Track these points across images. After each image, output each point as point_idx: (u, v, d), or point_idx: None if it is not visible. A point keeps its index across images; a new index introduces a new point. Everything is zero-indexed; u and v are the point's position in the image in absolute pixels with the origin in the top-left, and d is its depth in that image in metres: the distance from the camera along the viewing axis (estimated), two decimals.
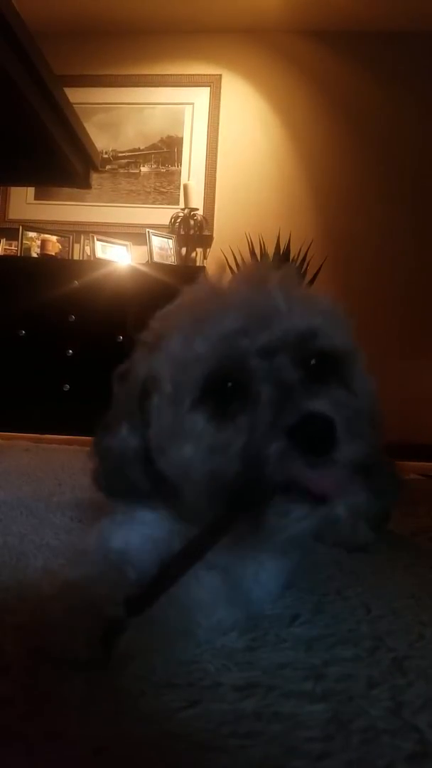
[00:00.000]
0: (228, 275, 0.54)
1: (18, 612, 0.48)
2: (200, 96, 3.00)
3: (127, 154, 3.07)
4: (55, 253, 2.84)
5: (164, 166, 3.03)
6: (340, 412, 0.42)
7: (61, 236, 2.91)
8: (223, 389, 0.45)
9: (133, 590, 0.44)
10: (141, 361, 0.51)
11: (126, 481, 0.51)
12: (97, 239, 2.83)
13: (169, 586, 0.43)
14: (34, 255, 2.81)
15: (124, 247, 2.89)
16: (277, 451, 0.41)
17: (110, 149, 3.06)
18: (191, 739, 0.36)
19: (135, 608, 0.42)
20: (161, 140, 3.04)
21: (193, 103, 3.02)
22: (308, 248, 2.62)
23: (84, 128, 1.45)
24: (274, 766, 0.34)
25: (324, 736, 0.36)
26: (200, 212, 2.93)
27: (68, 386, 2.39)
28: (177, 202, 2.97)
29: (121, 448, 0.51)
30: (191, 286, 0.54)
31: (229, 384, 0.46)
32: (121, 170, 3.05)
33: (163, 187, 3.02)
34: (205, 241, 2.95)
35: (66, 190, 2.83)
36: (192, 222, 2.89)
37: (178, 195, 2.96)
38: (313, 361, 0.47)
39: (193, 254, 2.92)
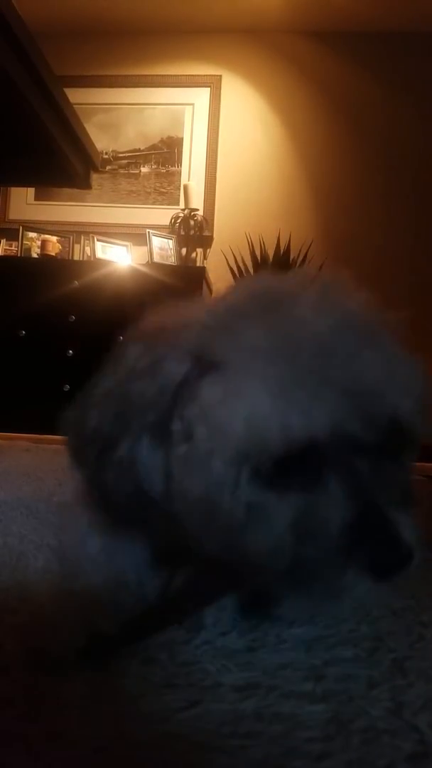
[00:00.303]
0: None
1: (18, 612, 0.48)
2: (200, 96, 3.00)
3: (127, 154, 3.07)
4: (56, 254, 2.84)
5: (164, 166, 3.03)
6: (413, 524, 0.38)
7: (61, 237, 2.91)
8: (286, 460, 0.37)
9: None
10: (178, 353, 0.41)
11: (128, 507, 0.43)
12: (98, 240, 2.83)
13: (151, 634, 0.42)
14: (35, 255, 2.82)
15: (125, 248, 2.90)
16: (353, 577, 0.37)
17: (110, 150, 3.06)
18: (191, 739, 0.36)
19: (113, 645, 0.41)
20: (161, 141, 3.04)
21: (193, 104, 3.02)
22: (308, 249, 2.62)
23: (84, 129, 1.45)
24: (274, 767, 0.34)
25: (324, 737, 0.36)
26: (200, 213, 2.93)
27: (68, 386, 2.39)
28: (177, 203, 2.97)
29: (142, 467, 0.41)
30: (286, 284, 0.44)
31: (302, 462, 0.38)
32: (122, 171, 3.05)
33: (164, 188, 3.02)
34: (206, 242, 2.95)
35: (66, 190, 2.83)
36: (192, 222, 2.89)
37: (179, 195, 2.97)
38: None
39: (194, 254, 2.93)
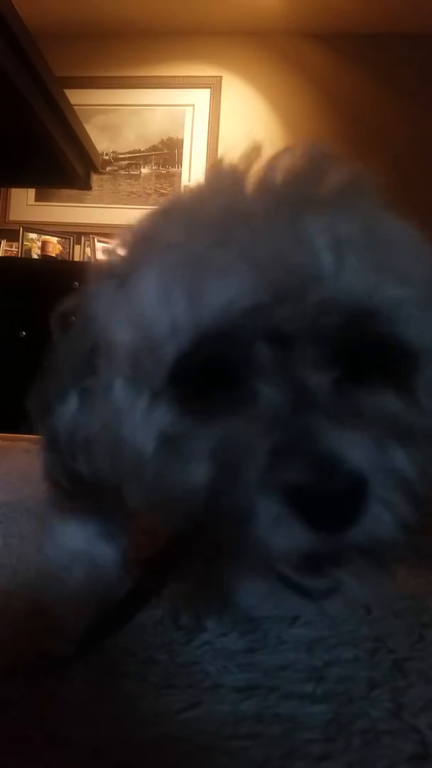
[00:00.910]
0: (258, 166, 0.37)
1: (20, 614, 0.48)
2: (201, 98, 3.00)
3: (128, 155, 3.07)
4: (56, 255, 2.84)
5: (165, 167, 3.03)
6: (386, 453, 0.28)
7: (61, 238, 2.91)
8: (203, 376, 0.31)
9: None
10: (99, 300, 0.36)
11: (74, 475, 0.38)
12: (98, 240, 2.83)
13: (117, 630, 0.39)
14: (35, 256, 2.82)
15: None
16: (268, 514, 0.28)
17: (110, 151, 3.07)
18: (192, 740, 0.36)
19: (84, 650, 0.39)
20: (161, 142, 3.04)
21: (193, 105, 3.02)
22: None
23: (84, 130, 1.46)
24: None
25: (324, 738, 0.36)
26: None
27: None
28: None
29: (69, 429, 0.37)
30: (209, 172, 0.38)
31: (213, 371, 0.31)
32: (122, 172, 3.05)
33: (164, 189, 3.02)
34: None
35: (66, 191, 2.83)
36: None
37: None
38: (362, 354, 0.30)
39: None
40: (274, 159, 0.36)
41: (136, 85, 3.03)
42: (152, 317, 0.31)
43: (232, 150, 0.38)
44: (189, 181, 2.95)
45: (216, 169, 0.37)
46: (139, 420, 0.33)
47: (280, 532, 0.28)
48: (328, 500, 0.27)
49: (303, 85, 2.97)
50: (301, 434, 0.28)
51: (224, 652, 0.45)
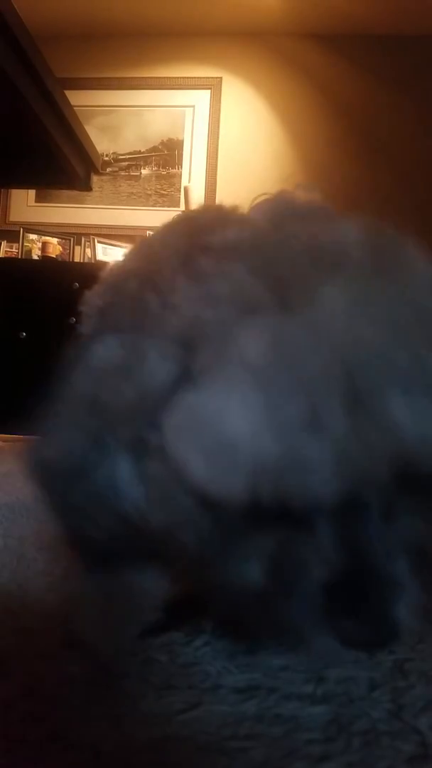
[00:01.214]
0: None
1: (19, 615, 0.48)
2: (201, 99, 3.00)
3: (128, 156, 3.07)
4: (56, 256, 2.84)
5: (165, 168, 3.04)
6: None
7: (62, 238, 2.91)
8: None
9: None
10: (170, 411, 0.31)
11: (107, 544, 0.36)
12: (98, 241, 2.83)
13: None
14: (35, 257, 2.82)
15: (125, 250, 2.89)
16: (314, 638, 0.31)
17: (111, 152, 3.07)
18: (192, 741, 0.36)
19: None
20: (162, 143, 3.05)
21: (193, 106, 3.02)
22: None
23: (84, 131, 1.45)
24: None
25: (325, 739, 0.36)
26: None
27: None
28: (178, 205, 2.97)
29: (123, 495, 0.34)
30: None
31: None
32: (122, 173, 3.05)
33: (164, 190, 3.02)
34: None
35: (67, 192, 2.83)
36: None
37: (179, 197, 2.97)
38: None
39: None
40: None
41: (136, 86, 3.03)
42: (232, 459, 0.28)
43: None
44: (189, 182, 2.95)
45: None
46: (198, 532, 0.32)
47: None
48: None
49: (303, 86, 2.97)
50: (357, 579, 0.30)
51: (224, 652, 0.45)
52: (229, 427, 0.28)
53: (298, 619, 0.31)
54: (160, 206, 3.01)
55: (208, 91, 3.00)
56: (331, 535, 0.31)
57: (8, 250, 2.97)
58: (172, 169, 3.03)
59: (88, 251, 2.90)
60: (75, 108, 1.37)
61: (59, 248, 2.87)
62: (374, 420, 0.27)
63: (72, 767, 0.33)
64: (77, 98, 2.21)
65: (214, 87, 2.99)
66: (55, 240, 2.88)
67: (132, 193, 3.04)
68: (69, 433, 0.35)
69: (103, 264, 2.68)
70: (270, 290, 0.30)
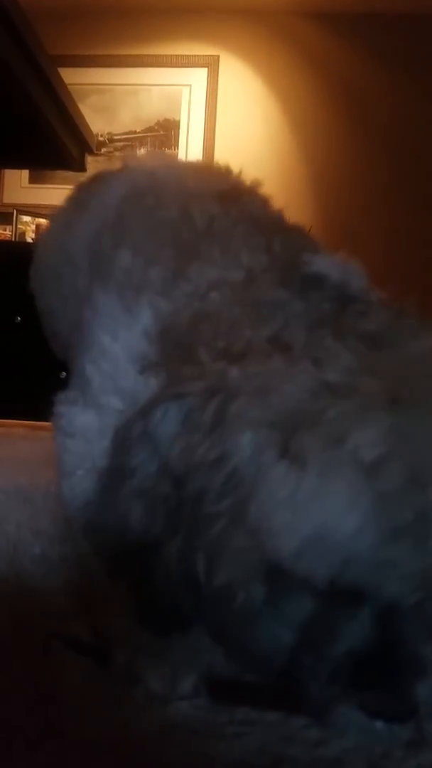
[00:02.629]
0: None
1: (16, 602, 0.48)
2: (198, 78, 2.95)
3: (123, 137, 3.02)
4: None
5: (161, 149, 2.99)
6: None
7: None
8: None
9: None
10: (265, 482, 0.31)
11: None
12: None
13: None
14: (29, 239, 2.79)
15: None
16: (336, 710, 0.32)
17: (106, 132, 3.02)
18: (188, 727, 0.36)
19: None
20: (158, 123, 3.00)
21: (190, 85, 2.97)
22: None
23: (79, 110, 1.43)
24: (270, 754, 0.34)
25: (321, 724, 0.36)
26: None
27: (65, 373, 2.38)
28: None
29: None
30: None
31: None
32: (117, 153, 3.01)
33: None
34: None
35: (61, 173, 2.79)
36: None
37: None
38: None
39: None
40: None
41: (132, 63, 2.98)
42: (331, 539, 0.28)
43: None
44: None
45: None
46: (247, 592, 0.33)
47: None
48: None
49: (302, 66, 2.92)
50: (386, 654, 0.31)
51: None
52: (331, 513, 0.28)
53: (323, 688, 0.32)
54: None
55: (205, 70, 2.95)
56: (370, 612, 0.31)
57: (1, 232, 2.94)
58: (168, 149, 2.99)
59: None
60: (69, 86, 1.34)
61: None
62: None
63: (69, 758, 0.33)
64: (71, 76, 2.17)
65: (211, 66, 2.94)
66: None
67: None
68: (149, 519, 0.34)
69: None
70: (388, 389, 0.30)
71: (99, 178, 0.73)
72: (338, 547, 0.28)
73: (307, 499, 0.29)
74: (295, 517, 0.29)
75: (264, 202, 0.58)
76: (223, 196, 0.55)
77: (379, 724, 0.36)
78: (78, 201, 0.71)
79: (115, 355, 0.48)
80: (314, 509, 0.29)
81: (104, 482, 0.36)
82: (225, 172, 0.62)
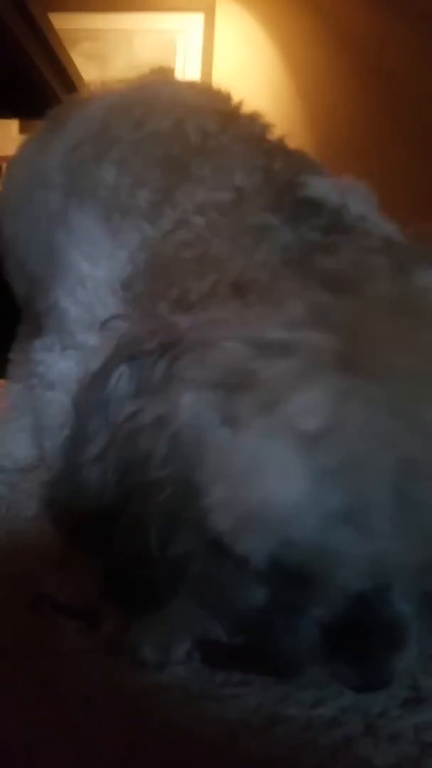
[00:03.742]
0: None
1: (9, 562, 0.48)
2: (193, 23, 2.84)
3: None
4: None
5: None
6: None
7: None
8: None
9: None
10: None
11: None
12: None
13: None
14: None
15: None
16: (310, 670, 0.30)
17: (98, 80, 2.92)
18: (183, 688, 0.36)
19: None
20: (152, 70, 2.89)
21: (185, 31, 2.86)
22: None
23: (70, 57, 1.38)
24: (267, 715, 0.34)
25: (317, 684, 0.36)
26: None
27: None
28: None
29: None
30: None
31: None
32: None
33: None
34: None
35: None
36: None
37: None
38: None
39: None
40: None
41: (125, 8, 2.85)
42: (267, 515, 0.25)
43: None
44: None
45: None
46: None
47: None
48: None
49: (305, 13, 2.80)
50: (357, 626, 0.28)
51: None
52: (267, 489, 0.25)
53: (296, 652, 0.30)
54: None
55: (201, 15, 2.83)
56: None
57: None
58: None
59: None
60: (59, 31, 1.29)
61: None
62: (423, 522, 0.24)
63: (62, 715, 0.32)
64: (61, 21, 2.07)
65: (207, 11, 2.83)
66: None
67: None
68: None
69: None
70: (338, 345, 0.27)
71: (78, 99, 0.66)
72: (275, 528, 0.25)
73: (242, 470, 0.26)
74: (230, 490, 0.26)
75: (266, 127, 0.52)
76: (222, 114, 0.50)
77: None
78: (54, 122, 0.63)
79: (95, 284, 0.45)
80: (249, 483, 0.26)
81: (63, 452, 0.34)
82: (225, 95, 0.55)
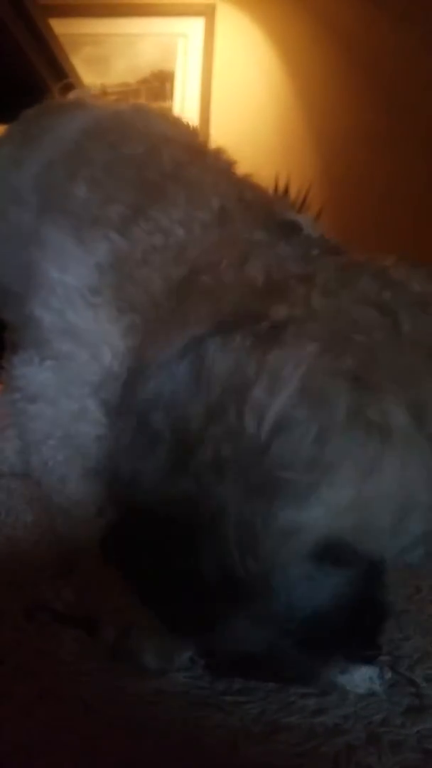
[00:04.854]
0: None
1: (8, 568, 0.47)
2: (194, 27, 2.85)
3: (117, 89, 2.92)
4: None
5: (156, 101, 2.89)
6: None
7: None
8: None
9: None
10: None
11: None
12: None
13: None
14: None
15: None
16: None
17: (99, 84, 2.92)
18: (185, 696, 0.35)
19: None
20: (152, 74, 2.90)
21: (186, 35, 2.86)
22: (308, 191, 2.52)
23: (71, 63, 1.38)
24: (268, 722, 0.33)
25: (320, 692, 0.35)
26: None
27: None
28: None
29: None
30: None
31: None
32: None
33: None
34: None
35: None
36: None
37: None
38: None
39: None
40: None
41: (126, 13, 2.86)
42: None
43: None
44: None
45: None
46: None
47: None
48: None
49: (303, 16, 2.80)
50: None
51: None
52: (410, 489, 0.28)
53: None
54: None
55: (202, 19, 2.84)
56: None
57: None
58: (162, 102, 2.88)
59: None
60: (61, 37, 1.29)
61: None
62: None
63: (62, 722, 0.32)
64: (63, 26, 2.08)
65: (208, 14, 2.83)
66: None
67: None
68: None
69: None
70: None
71: (51, 110, 0.67)
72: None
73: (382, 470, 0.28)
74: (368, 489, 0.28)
75: (231, 163, 0.54)
76: (192, 147, 0.52)
77: (378, 689, 0.36)
78: (27, 134, 0.65)
79: (65, 289, 0.45)
80: (389, 482, 0.28)
81: (124, 423, 0.33)
82: (194, 129, 0.59)
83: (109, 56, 2.92)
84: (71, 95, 0.63)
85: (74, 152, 0.52)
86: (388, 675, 0.37)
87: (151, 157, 0.48)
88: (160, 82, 2.88)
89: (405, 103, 2.77)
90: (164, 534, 0.31)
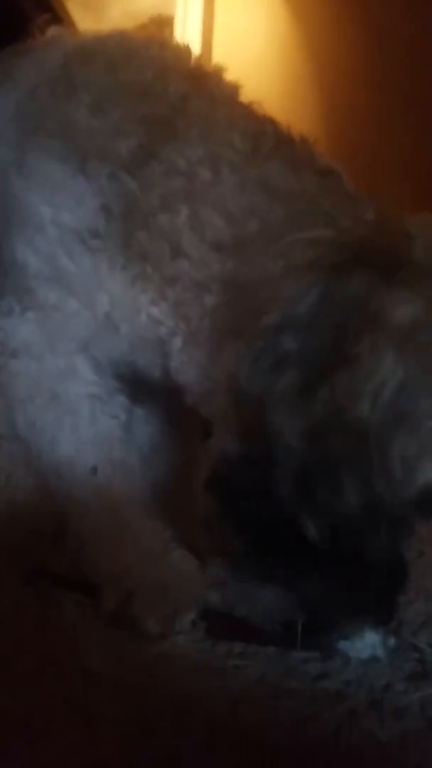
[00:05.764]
0: None
1: (9, 533, 0.47)
2: None
3: None
4: None
5: None
6: None
7: None
8: None
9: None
10: None
11: None
12: None
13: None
14: None
15: None
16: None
17: (94, 31, 2.82)
18: (186, 659, 0.35)
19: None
20: (150, 19, 2.78)
21: None
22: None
23: (66, 10, 1.32)
24: (270, 687, 0.33)
25: (322, 657, 0.35)
26: None
27: None
28: None
29: None
30: None
31: None
32: None
33: None
34: None
35: None
36: None
37: None
38: None
39: None
40: None
41: None
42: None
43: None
44: None
45: None
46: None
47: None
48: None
49: None
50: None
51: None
52: None
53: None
54: None
55: None
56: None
57: None
58: None
59: None
60: None
61: None
62: None
63: (63, 691, 0.32)
64: None
65: None
66: None
67: None
68: None
69: None
70: None
71: (22, 48, 0.60)
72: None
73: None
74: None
75: (235, 89, 0.46)
76: (190, 73, 0.45)
77: (381, 654, 0.36)
78: (1, 68, 0.53)
79: (58, 230, 0.41)
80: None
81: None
82: (187, 51, 0.50)
83: (104, 1, 2.80)
84: (50, 31, 0.53)
85: (63, 75, 0.45)
86: (391, 640, 0.36)
87: (159, 86, 0.42)
88: (160, 28, 2.77)
89: (411, 50, 2.65)
90: (301, 460, 0.30)
